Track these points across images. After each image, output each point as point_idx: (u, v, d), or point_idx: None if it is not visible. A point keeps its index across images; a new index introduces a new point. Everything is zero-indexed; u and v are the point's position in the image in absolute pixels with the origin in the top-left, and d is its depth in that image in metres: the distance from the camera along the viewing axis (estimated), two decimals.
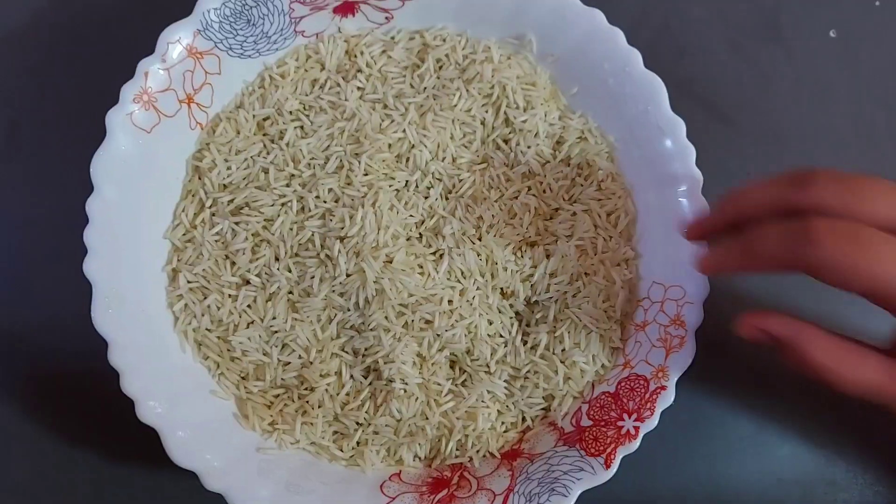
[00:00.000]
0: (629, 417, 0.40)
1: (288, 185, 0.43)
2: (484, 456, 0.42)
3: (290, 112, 0.44)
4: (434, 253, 0.43)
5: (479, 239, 0.43)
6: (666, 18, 0.53)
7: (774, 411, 0.47)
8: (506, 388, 0.42)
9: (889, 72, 0.53)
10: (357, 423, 0.42)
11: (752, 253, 0.34)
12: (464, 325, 0.42)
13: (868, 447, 0.47)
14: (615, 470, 0.39)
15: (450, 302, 0.42)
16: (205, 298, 0.42)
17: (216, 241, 0.42)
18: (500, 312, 0.43)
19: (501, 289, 0.43)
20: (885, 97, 0.52)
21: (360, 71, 0.45)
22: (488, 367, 0.42)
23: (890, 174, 0.50)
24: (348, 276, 0.41)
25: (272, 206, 0.42)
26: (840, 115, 0.52)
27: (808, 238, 0.32)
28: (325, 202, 0.42)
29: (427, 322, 0.42)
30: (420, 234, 0.43)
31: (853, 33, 0.53)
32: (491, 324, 0.42)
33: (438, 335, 0.41)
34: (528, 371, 0.42)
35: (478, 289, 0.42)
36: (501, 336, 0.42)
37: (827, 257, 0.31)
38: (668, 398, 0.40)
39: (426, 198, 0.43)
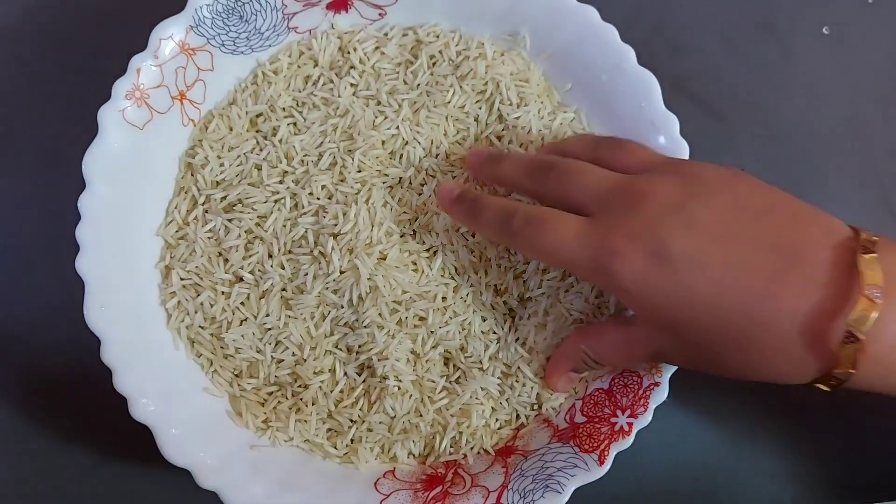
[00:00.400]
0: (623, 414, 0.40)
1: (281, 182, 0.43)
2: (478, 453, 0.42)
3: (283, 109, 0.44)
4: (427, 250, 0.43)
5: (473, 235, 0.43)
6: (659, 16, 0.53)
7: (768, 408, 0.47)
8: (499, 385, 0.42)
9: (882, 68, 0.53)
10: (351, 421, 0.41)
11: (474, 216, 0.40)
12: (457, 322, 0.42)
13: (864, 446, 0.47)
14: (609, 466, 0.39)
15: (443, 299, 0.42)
16: (198, 296, 0.42)
17: (209, 238, 0.42)
18: (493, 309, 0.42)
19: (495, 285, 0.43)
20: (878, 94, 0.52)
21: (353, 67, 0.45)
22: (481, 363, 0.42)
23: (883, 171, 0.51)
24: (342, 273, 0.41)
25: (265, 202, 0.42)
26: (833, 112, 0.52)
27: (504, 222, 0.38)
28: (318, 199, 0.42)
29: (421, 319, 0.42)
30: (413, 230, 0.43)
31: (846, 30, 0.54)
32: (484, 320, 0.42)
33: (432, 332, 0.41)
34: (518, 368, 0.42)
35: (471, 285, 0.42)
36: (494, 332, 0.42)
37: (518, 238, 0.38)
38: (661, 394, 0.40)
39: (419, 194, 0.43)
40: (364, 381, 0.42)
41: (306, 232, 0.42)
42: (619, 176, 0.37)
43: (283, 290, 0.42)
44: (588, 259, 0.35)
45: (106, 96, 0.40)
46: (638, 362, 0.40)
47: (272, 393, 0.42)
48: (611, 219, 0.35)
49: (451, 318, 0.41)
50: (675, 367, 0.40)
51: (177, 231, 0.42)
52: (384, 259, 0.41)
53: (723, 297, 0.33)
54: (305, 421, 0.41)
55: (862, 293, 0.30)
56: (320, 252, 0.41)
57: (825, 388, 0.34)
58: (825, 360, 0.32)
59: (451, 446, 0.42)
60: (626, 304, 0.35)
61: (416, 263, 0.42)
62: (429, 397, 0.42)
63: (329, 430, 0.42)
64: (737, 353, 0.34)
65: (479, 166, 0.42)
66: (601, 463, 0.38)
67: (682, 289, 0.33)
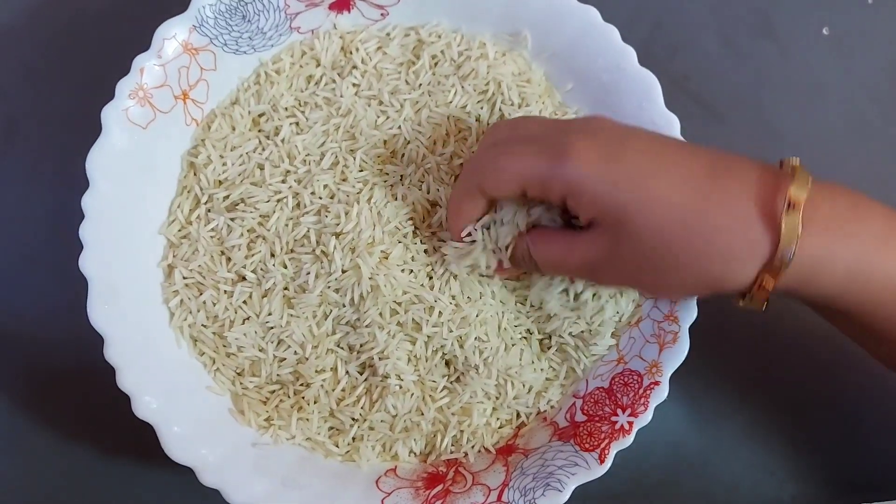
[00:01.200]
0: (623, 413, 0.40)
1: (283, 182, 0.43)
2: (479, 451, 0.42)
3: (286, 108, 0.44)
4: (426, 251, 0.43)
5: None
6: (659, 16, 0.53)
7: (767, 406, 0.47)
8: (495, 387, 0.42)
9: (881, 69, 0.53)
10: (352, 419, 0.42)
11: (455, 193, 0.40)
12: (454, 338, 0.42)
13: (863, 444, 0.47)
14: (609, 465, 0.39)
15: (440, 314, 0.42)
16: (200, 294, 0.42)
17: (212, 237, 0.42)
18: (492, 317, 0.42)
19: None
20: (877, 94, 0.53)
21: (355, 67, 0.45)
22: (477, 368, 0.42)
23: (882, 170, 0.51)
24: (344, 272, 0.41)
25: (268, 202, 0.42)
26: (832, 112, 0.52)
27: (466, 179, 0.39)
28: (320, 198, 0.42)
29: (416, 323, 0.42)
30: (415, 228, 0.43)
31: (846, 31, 0.54)
32: (481, 325, 0.42)
33: (430, 337, 0.41)
34: (514, 371, 0.42)
35: (470, 300, 0.42)
36: (488, 340, 0.42)
37: (484, 172, 0.37)
38: (661, 393, 0.40)
39: (419, 189, 0.43)
40: (366, 379, 0.42)
41: (308, 231, 0.42)
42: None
43: (286, 289, 0.42)
44: (544, 164, 0.35)
45: (109, 96, 0.40)
46: (569, 273, 0.40)
47: (274, 391, 0.42)
48: (568, 127, 0.37)
49: (448, 333, 0.41)
50: (675, 367, 0.40)
51: (179, 230, 0.43)
52: (387, 258, 0.41)
53: (678, 193, 0.34)
54: (307, 419, 0.42)
55: (793, 174, 0.34)
56: (322, 251, 0.41)
57: (759, 301, 0.35)
58: (773, 232, 0.33)
59: (452, 445, 0.42)
60: (578, 209, 0.36)
61: (420, 262, 0.42)
62: (430, 396, 0.42)
63: (331, 428, 0.42)
64: (685, 255, 0.34)
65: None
66: (602, 461, 0.39)
67: (638, 185, 0.34)
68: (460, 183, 0.40)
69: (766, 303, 0.35)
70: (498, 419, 0.43)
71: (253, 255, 0.42)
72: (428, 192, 0.43)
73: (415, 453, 0.43)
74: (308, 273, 0.41)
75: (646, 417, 0.40)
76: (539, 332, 0.43)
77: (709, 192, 0.34)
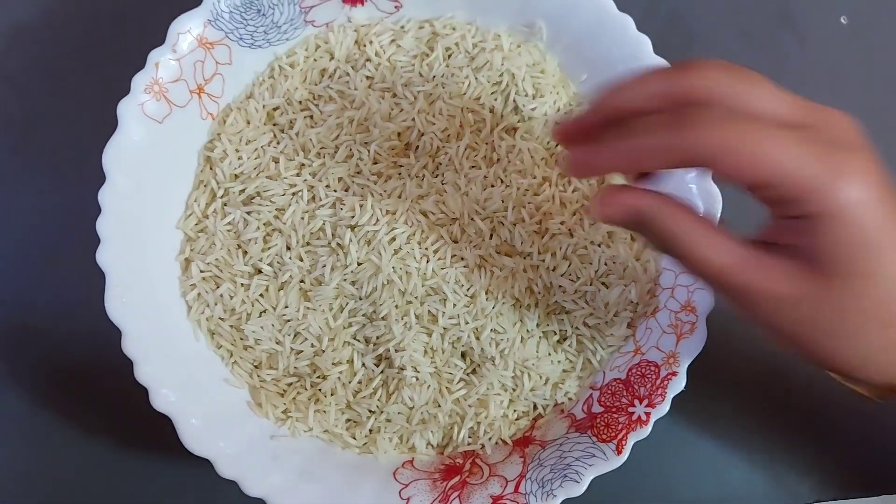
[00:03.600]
0: (640, 403, 0.40)
1: (298, 175, 0.43)
2: (496, 443, 0.42)
3: (300, 102, 0.44)
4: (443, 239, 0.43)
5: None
6: (676, 6, 0.53)
7: (786, 397, 0.47)
8: (512, 378, 0.42)
9: None
10: (370, 411, 0.42)
11: (629, 145, 0.30)
12: (470, 329, 0.42)
13: (881, 437, 0.47)
14: (627, 456, 0.39)
15: (454, 305, 0.42)
16: (217, 287, 0.42)
17: (228, 230, 0.42)
18: (509, 307, 0.42)
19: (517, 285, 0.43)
20: None
21: (369, 60, 0.45)
22: (493, 360, 0.42)
23: None
24: (359, 264, 0.41)
25: (283, 195, 0.42)
26: (851, 102, 0.51)
27: (695, 121, 0.28)
28: (335, 191, 0.42)
29: (433, 315, 0.42)
30: (431, 222, 0.43)
31: (864, 19, 0.53)
32: (499, 316, 0.42)
33: (445, 329, 0.41)
34: (530, 363, 0.42)
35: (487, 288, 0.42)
36: (504, 330, 0.42)
37: (716, 142, 0.28)
38: (679, 384, 0.40)
39: (434, 177, 0.43)
40: (382, 371, 0.42)
41: (324, 224, 0.42)
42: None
43: (302, 281, 0.42)
44: (809, 169, 0.28)
45: (125, 91, 0.40)
46: (721, 285, 0.31)
47: (291, 384, 0.42)
48: (835, 132, 0.30)
49: (464, 325, 0.41)
50: (692, 357, 0.40)
51: (196, 224, 0.43)
52: (402, 250, 0.41)
53: None
54: (324, 411, 0.42)
55: None
56: (338, 244, 0.42)
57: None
58: None
59: (469, 436, 0.42)
60: (819, 237, 0.29)
61: (436, 253, 0.42)
62: (447, 388, 0.42)
63: (348, 420, 0.42)
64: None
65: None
66: (619, 452, 0.39)
67: None
68: (655, 126, 0.29)
69: None
70: (515, 411, 0.43)
71: (269, 249, 0.42)
72: (443, 184, 0.43)
73: (432, 445, 0.43)
74: (324, 266, 0.41)
75: (663, 408, 0.39)
76: (556, 324, 0.43)
77: None
